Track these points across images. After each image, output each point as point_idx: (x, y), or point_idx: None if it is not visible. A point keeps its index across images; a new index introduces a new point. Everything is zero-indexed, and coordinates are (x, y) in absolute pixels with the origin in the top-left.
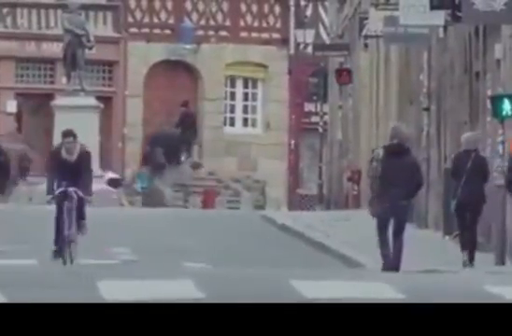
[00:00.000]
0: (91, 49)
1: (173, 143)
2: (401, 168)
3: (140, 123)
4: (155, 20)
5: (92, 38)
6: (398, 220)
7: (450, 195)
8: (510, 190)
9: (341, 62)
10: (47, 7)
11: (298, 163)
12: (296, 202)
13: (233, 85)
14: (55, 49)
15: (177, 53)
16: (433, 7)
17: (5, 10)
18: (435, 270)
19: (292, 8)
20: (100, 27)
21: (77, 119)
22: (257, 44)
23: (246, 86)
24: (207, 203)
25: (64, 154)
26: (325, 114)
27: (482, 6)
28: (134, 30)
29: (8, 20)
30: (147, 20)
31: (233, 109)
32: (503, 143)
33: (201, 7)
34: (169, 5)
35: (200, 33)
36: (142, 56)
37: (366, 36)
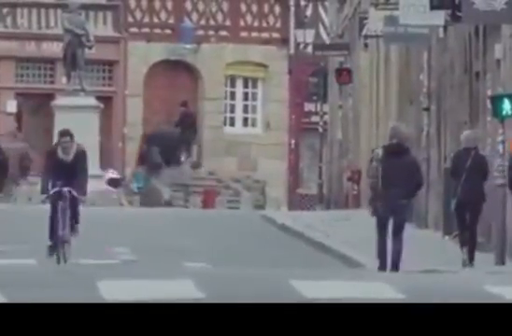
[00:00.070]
0: (91, 48)
1: (171, 142)
2: (400, 168)
3: (140, 123)
4: (155, 19)
5: (92, 38)
6: (398, 220)
7: (450, 194)
8: None
9: (341, 61)
10: (47, 6)
11: (298, 163)
12: (296, 201)
13: (233, 85)
14: (55, 49)
15: (177, 53)
16: (433, 7)
17: (5, 10)
18: (435, 270)
19: (292, 8)
20: (100, 27)
21: (77, 118)
22: (257, 44)
23: (246, 86)
24: (207, 202)
25: (60, 154)
26: (325, 114)
27: (482, 5)
28: (134, 30)
29: (8, 19)
30: (147, 19)
31: (233, 109)
32: (503, 142)
33: (201, 6)
34: (169, 5)
35: (200, 32)
36: (142, 56)
37: (366, 36)
